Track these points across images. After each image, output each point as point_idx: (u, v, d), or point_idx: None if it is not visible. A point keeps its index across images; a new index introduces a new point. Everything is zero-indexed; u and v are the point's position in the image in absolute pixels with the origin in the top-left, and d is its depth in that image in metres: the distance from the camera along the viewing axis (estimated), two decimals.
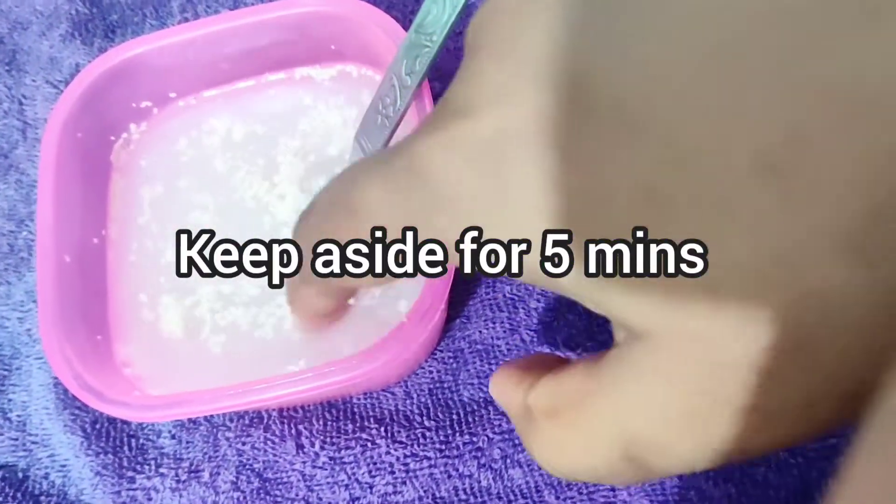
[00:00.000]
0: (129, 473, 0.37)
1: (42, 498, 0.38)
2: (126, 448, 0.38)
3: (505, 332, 0.38)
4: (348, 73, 0.40)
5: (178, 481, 0.37)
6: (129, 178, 0.39)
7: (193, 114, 0.40)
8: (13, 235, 0.45)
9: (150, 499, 0.37)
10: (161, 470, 0.37)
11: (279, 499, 0.36)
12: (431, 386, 0.38)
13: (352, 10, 0.35)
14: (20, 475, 0.39)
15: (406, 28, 0.37)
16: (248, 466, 0.36)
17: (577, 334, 0.37)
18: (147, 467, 0.37)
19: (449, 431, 0.36)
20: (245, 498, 0.36)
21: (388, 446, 0.36)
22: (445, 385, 0.38)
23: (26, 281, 0.43)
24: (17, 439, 0.40)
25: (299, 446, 0.36)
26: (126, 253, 0.38)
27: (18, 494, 0.38)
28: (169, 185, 0.39)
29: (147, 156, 0.40)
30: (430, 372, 0.38)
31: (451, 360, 0.38)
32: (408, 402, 0.38)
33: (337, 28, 0.37)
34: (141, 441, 0.39)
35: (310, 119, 0.39)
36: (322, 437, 0.36)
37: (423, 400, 0.37)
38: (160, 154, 0.40)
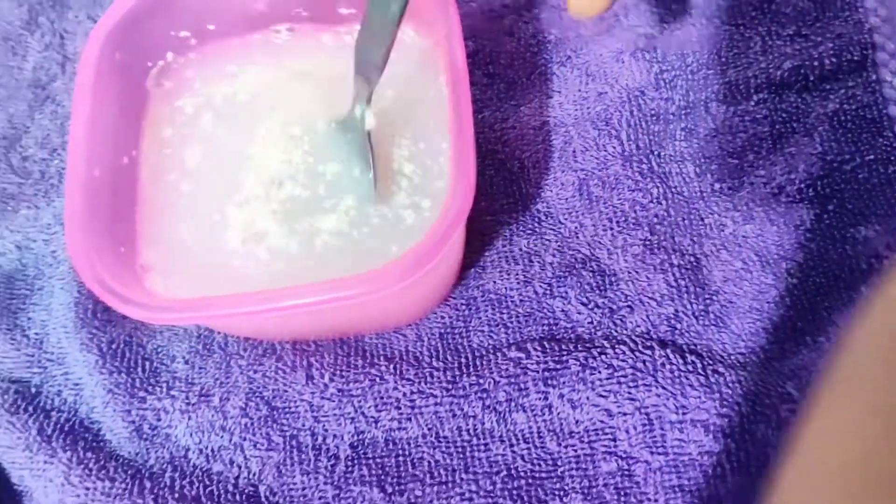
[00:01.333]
0: (141, 393, 0.38)
1: (53, 413, 0.39)
2: (139, 369, 0.39)
3: (518, 283, 0.39)
4: None
5: (188, 404, 0.37)
6: (162, 104, 0.40)
7: (230, 49, 0.41)
8: (45, 163, 0.46)
9: (159, 419, 0.38)
10: (172, 392, 0.38)
11: (286, 427, 0.36)
12: (442, 330, 0.38)
13: None
14: (33, 390, 0.40)
15: None
16: (257, 394, 0.37)
17: (590, 290, 0.38)
18: (159, 389, 0.38)
19: (457, 372, 0.36)
20: (252, 424, 0.37)
21: (395, 382, 0.36)
22: (456, 331, 0.38)
23: (55, 206, 0.44)
24: (32, 356, 0.41)
25: (309, 377, 0.37)
26: (155, 175, 0.38)
27: (30, 408, 0.39)
28: (199, 114, 0.40)
29: (181, 84, 0.40)
30: (442, 317, 0.39)
31: (464, 308, 0.39)
32: (418, 344, 0.38)
33: None
34: (155, 364, 0.39)
35: (340, 68, 0.40)
36: (332, 370, 0.37)
37: (433, 343, 0.38)
38: (194, 84, 0.40)
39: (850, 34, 0.40)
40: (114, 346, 0.39)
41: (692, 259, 0.38)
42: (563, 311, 0.38)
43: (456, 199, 0.31)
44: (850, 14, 0.41)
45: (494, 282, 0.39)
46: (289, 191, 0.37)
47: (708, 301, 0.37)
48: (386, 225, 0.36)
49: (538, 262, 0.39)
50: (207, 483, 0.36)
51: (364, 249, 0.36)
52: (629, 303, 0.37)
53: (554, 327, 0.37)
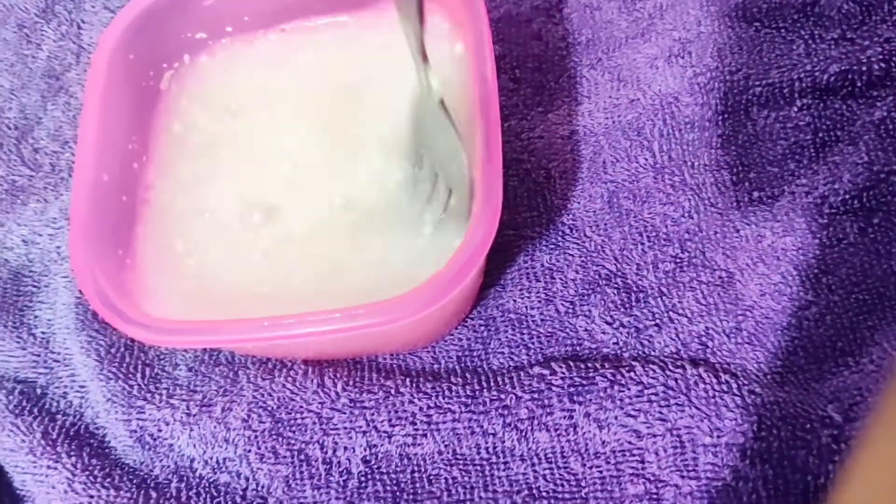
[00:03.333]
0: (139, 402, 0.36)
1: (59, 416, 0.38)
2: (138, 375, 0.37)
3: (540, 301, 0.37)
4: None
5: (188, 414, 0.35)
6: (176, 109, 0.38)
7: (247, 51, 0.39)
8: (56, 156, 0.44)
9: (160, 430, 0.36)
10: (172, 401, 0.36)
11: (292, 440, 0.35)
12: (460, 353, 0.37)
13: None
14: (38, 391, 0.38)
15: None
16: (260, 404, 0.35)
17: (615, 308, 0.36)
18: (158, 397, 0.36)
19: (476, 387, 0.34)
20: (256, 436, 0.35)
21: (411, 395, 0.34)
22: (475, 353, 0.37)
23: (62, 200, 0.43)
24: (38, 356, 0.39)
25: (320, 384, 0.35)
26: (165, 183, 0.37)
27: (35, 410, 0.37)
28: (215, 120, 0.38)
29: (197, 88, 0.39)
30: (460, 339, 0.37)
31: (482, 328, 0.37)
32: (435, 366, 0.37)
33: None
34: (156, 370, 0.38)
35: (358, 64, 0.38)
36: (345, 380, 0.35)
37: (450, 366, 0.36)
38: (210, 88, 0.39)
39: None
40: (113, 351, 0.38)
41: (724, 274, 0.36)
42: (586, 330, 0.36)
43: (480, 226, 0.29)
44: None
45: (514, 300, 0.37)
46: (306, 209, 0.35)
47: (741, 318, 0.35)
48: (399, 241, 0.34)
49: (560, 278, 0.37)
50: (215, 494, 0.35)
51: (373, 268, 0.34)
52: (657, 321, 0.35)
53: (577, 348, 0.35)
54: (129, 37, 0.36)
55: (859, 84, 0.37)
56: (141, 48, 0.37)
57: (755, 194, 0.37)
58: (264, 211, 0.35)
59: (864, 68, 0.37)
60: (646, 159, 0.38)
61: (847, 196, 0.36)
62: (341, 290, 0.33)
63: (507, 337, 0.37)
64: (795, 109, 0.38)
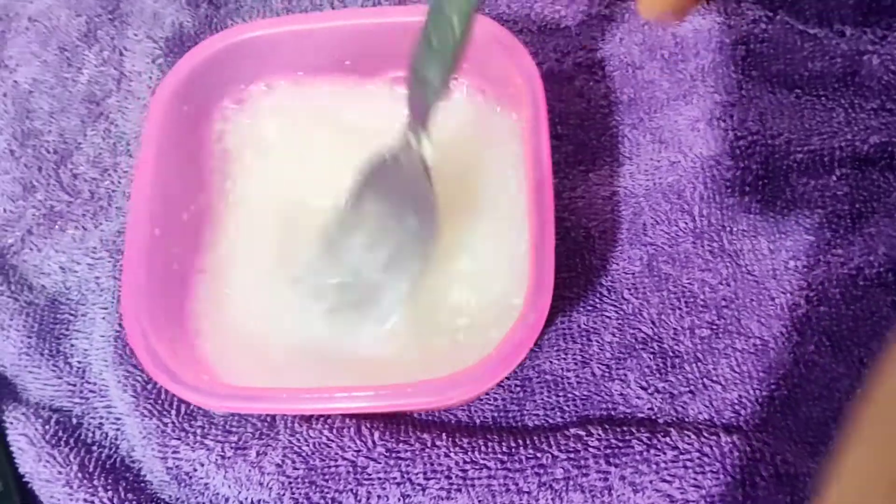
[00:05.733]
0: (173, 441, 0.36)
1: (95, 448, 0.38)
2: (173, 412, 0.37)
3: (576, 364, 0.37)
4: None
5: (223, 457, 0.36)
6: (226, 159, 0.39)
7: (297, 101, 0.40)
8: (95, 183, 0.45)
9: (195, 469, 0.36)
10: (206, 441, 0.36)
11: (326, 488, 0.35)
12: (495, 413, 0.37)
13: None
14: (74, 421, 0.39)
15: None
16: (295, 450, 0.35)
17: (650, 373, 0.36)
18: (192, 436, 0.36)
19: (512, 444, 0.35)
20: (291, 483, 0.35)
21: (447, 449, 0.35)
22: (510, 414, 0.37)
23: (102, 229, 0.43)
24: (74, 385, 0.40)
25: (357, 432, 0.35)
26: (214, 233, 0.37)
27: (72, 441, 0.38)
28: (266, 169, 0.38)
29: (247, 138, 0.39)
30: (496, 399, 0.37)
31: (518, 389, 0.37)
32: (470, 424, 0.37)
33: None
34: (192, 407, 0.38)
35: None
36: (381, 430, 0.36)
37: (486, 425, 0.37)
38: (259, 137, 0.39)
39: None
40: (149, 387, 0.38)
41: (759, 342, 0.36)
42: (621, 394, 0.36)
43: (532, 312, 0.30)
44: None
45: (551, 362, 0.38)
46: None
47: (774, 386, 0.35)
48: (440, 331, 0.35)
49: (597, 340, 0.37)
50: None
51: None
52: (691, 387, 0.36)
53: (613, 412, 0.36)
54: (183, 90, 0.36)
55: None
56: (194, 99, 0.37)
57: (791, 263, 0.37)
58: (318, 267, 0.36)
59: None
60: (686, 223, 0.39)
61: (882, 269, 0.36)
62: (399, 349, 0.34)
63: (542, 399, 0.37)
64: (834, 178, 0.39)
